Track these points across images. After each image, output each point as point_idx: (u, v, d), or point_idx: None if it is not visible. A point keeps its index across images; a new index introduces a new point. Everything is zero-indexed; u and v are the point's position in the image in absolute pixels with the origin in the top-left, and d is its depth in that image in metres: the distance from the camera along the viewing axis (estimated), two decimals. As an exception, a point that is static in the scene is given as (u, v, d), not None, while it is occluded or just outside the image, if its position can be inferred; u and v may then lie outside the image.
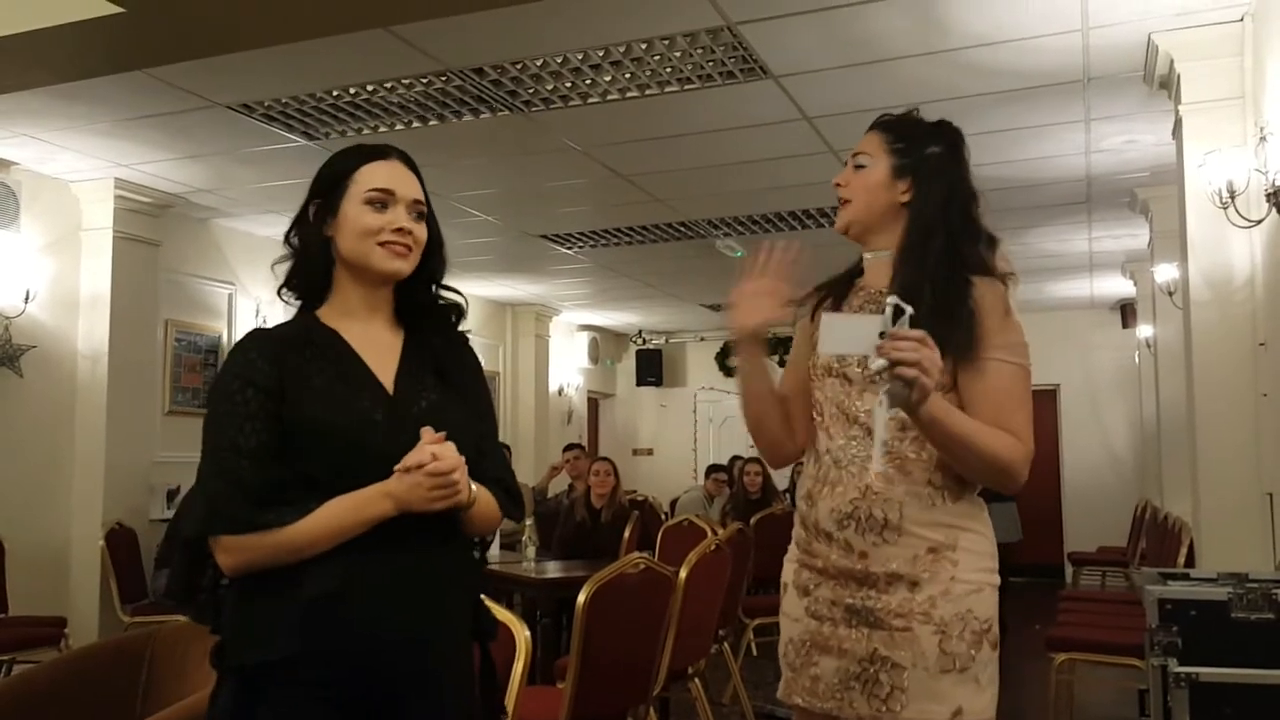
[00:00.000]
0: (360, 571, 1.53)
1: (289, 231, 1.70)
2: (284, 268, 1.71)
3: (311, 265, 1.67)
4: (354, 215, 1.63)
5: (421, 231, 1.67)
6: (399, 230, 1.62)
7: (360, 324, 1.67)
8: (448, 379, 1.68)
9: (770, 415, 1.94)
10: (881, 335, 1.54)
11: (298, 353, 1.61)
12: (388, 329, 1.70)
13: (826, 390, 1.85)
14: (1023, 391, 1.78)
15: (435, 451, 1.52)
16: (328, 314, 1.67)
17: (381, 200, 1.63)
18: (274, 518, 1.51)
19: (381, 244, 1.62)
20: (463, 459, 1.55)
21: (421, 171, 1.73)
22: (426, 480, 1.51)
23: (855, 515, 1.77)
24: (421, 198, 1.68)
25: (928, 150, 1.89)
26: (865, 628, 1.76)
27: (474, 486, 1.59)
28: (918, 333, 1.54)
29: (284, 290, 1.70)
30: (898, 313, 1.54)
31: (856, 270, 1.98)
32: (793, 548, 1.93)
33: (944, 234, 1.84)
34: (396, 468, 1.52)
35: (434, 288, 1.74)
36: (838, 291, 1.96)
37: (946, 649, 1.72)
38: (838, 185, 1.92)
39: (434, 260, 1.71)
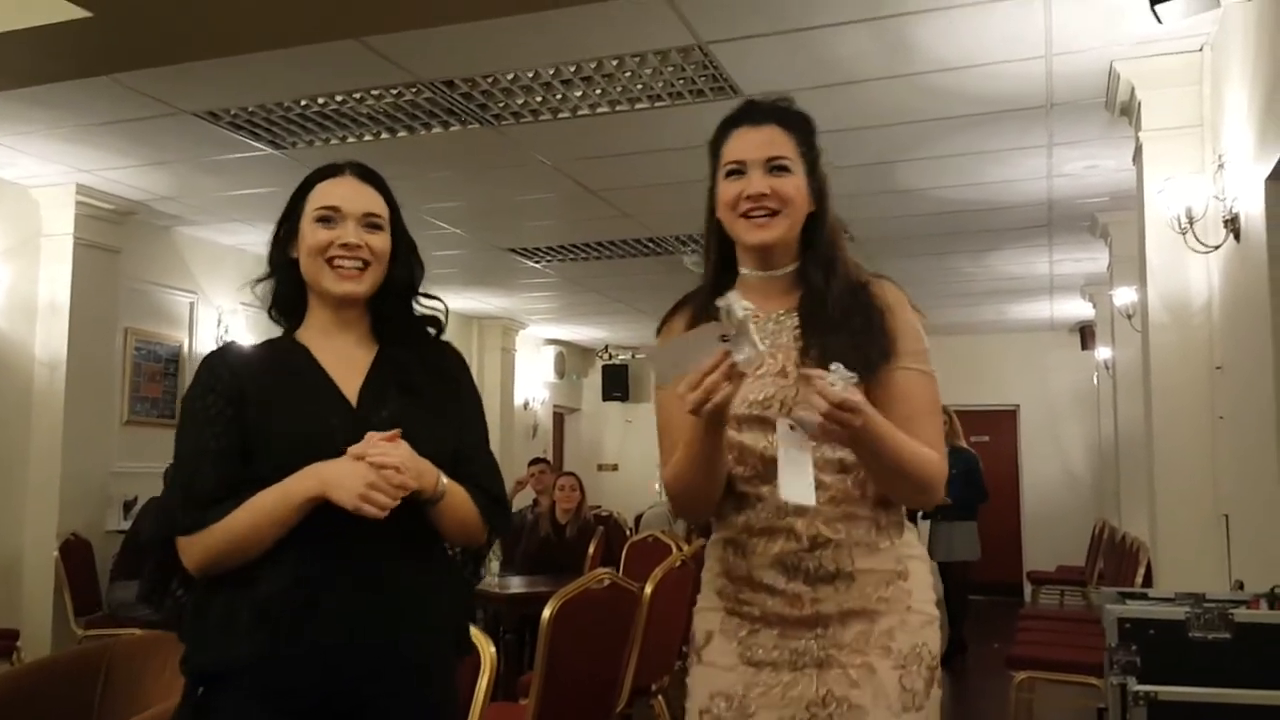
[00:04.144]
0: (316, 573, 1.53)
1: (269, 253, 1.73)
2: (265, 289, 1.74)
3: (280, 286, 1.70)
4: (307, 234, 1.64)
5: (379, 242, 1.66)
6: (345, 246, 1.62)
7: (332, 342, 1.68)
8: (416, 392, 1.66)
9: (720, 483, 1.66)
10: (724, 339, 1.43)
11: (263, 366, 1.64)
12: (359, 345, 1.70)
13: (745, 438, 1.65)
14: (933, 401, 1.67)
15: (383, 447, 1.52)
16: (304, 333, 1.70)
17: (329, 217, 1.64)
18: (218, 514, 1.53)
19: (330, 261, 1.62)
20: (414, 456, 1.54)
21: (388, 183, 1.73)
22: (365, 470, 1.49)
23: (803, 567, 1.61)
24: (376, 209, 1.67)
25: (818, 149, 1.73)
26: (814, 669, 1.61)
27: (445, 481, 1.59)
28: (854, 399, 1.45)
29: (272, 311, 1.73)
30: (729, 314, 1.43)
31: (717, 289, 1.67)
32: (710, 596, 1.74)
33: (838, 241, 1.73)
34: (350, 451, 1.52)
35: (410, 299, 1.73)
36: (714, 319, 1.63)
37: (907, 685, 1.61)
38: (762, 196, 1.64)
39: (400, 271, 1.70)
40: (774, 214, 1.65)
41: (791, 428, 1.53)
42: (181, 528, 1.55)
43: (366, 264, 1.64)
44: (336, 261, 1.62)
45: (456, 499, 1.62)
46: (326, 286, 1.64)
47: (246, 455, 1.58)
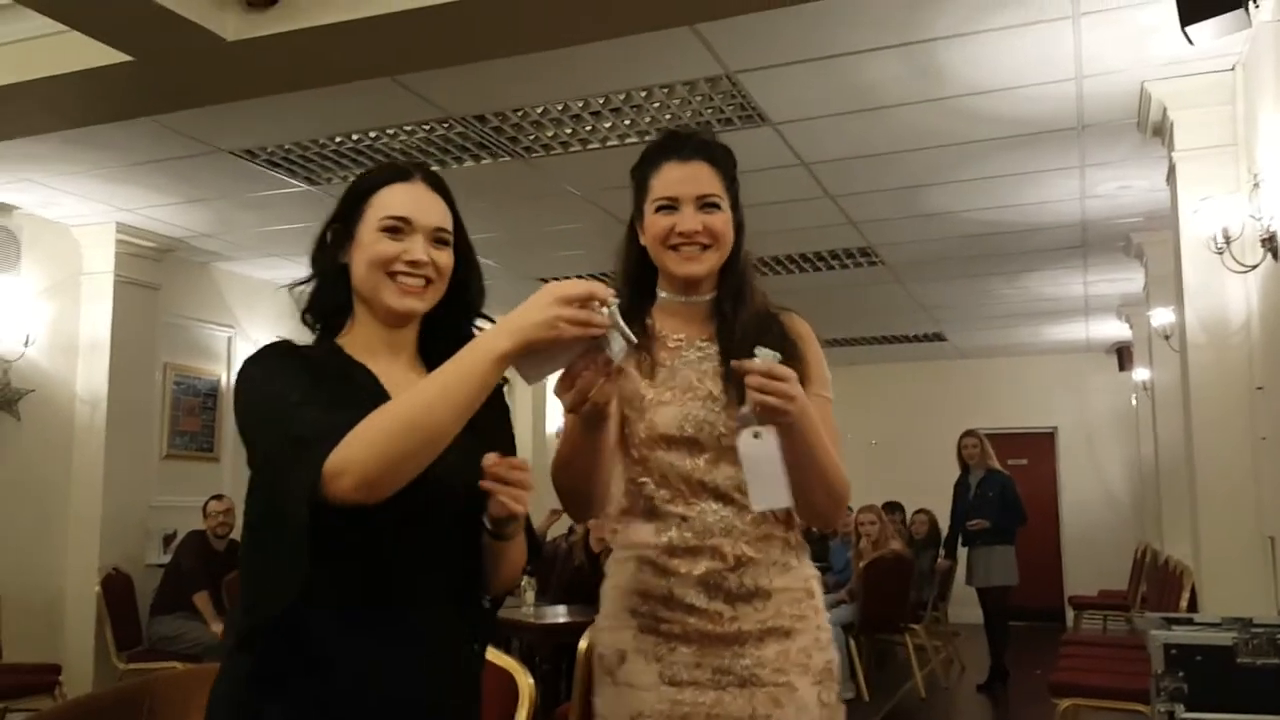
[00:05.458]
0: (386, 640, 1.40)
1: (312, 254, 1.56)
2: (300, 293, 1.57)
3: (326, 292, 1.53)
4: (367, 242, 1.48)
5: (446, 259, 1.51)
6: (413, 262, 1.47)
7: (382, 363, 1.51)
8: (474, 423, 1.42)
9: (604, 479, 1.69)
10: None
11: (330, 374, 1.44)
12: (411, 369, 1.54)
13: (673, 459, 1.69)
14: (836, 428, 1.72)
15: (510, 461, 1.41)
16: (349, 346, 1.52)
17: (397, 228, 1.48)
18: (358, 415, 1.30)
19: (393, 274, 1.47)
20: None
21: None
22: (550, 291, 1.30)
23: (725, 586, 1.66)
24: (445, 224, 1.51)
25: (738, 183, 1.78)
26: (737, 688, 1.64)
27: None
28: (782, 369, 1.50)
29: (307, 315, 1.55)
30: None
31: (639, 311, 1.76)
32: (620, 615, 1.73)
33: (749, 273, 1.78)
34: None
35: (470, 322, 1.57)
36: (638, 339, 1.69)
37: (824, 700, 1.68)
38: (694, 233, 1.68)
39: (464, 293, 1.55)
40: (705, 248, 1.70)
41: (756, 435, 1.54)
42: (319, 450, 1.27)
43: (430, 281, 1.49)
44: (399, 276, 1.47)
45: (520, 541, 1.52)
46: (387, 301, 1.47)
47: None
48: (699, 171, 1.71)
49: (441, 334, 1.54)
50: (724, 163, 1.75)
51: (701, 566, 1.66)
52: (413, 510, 1.36)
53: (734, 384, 1.62)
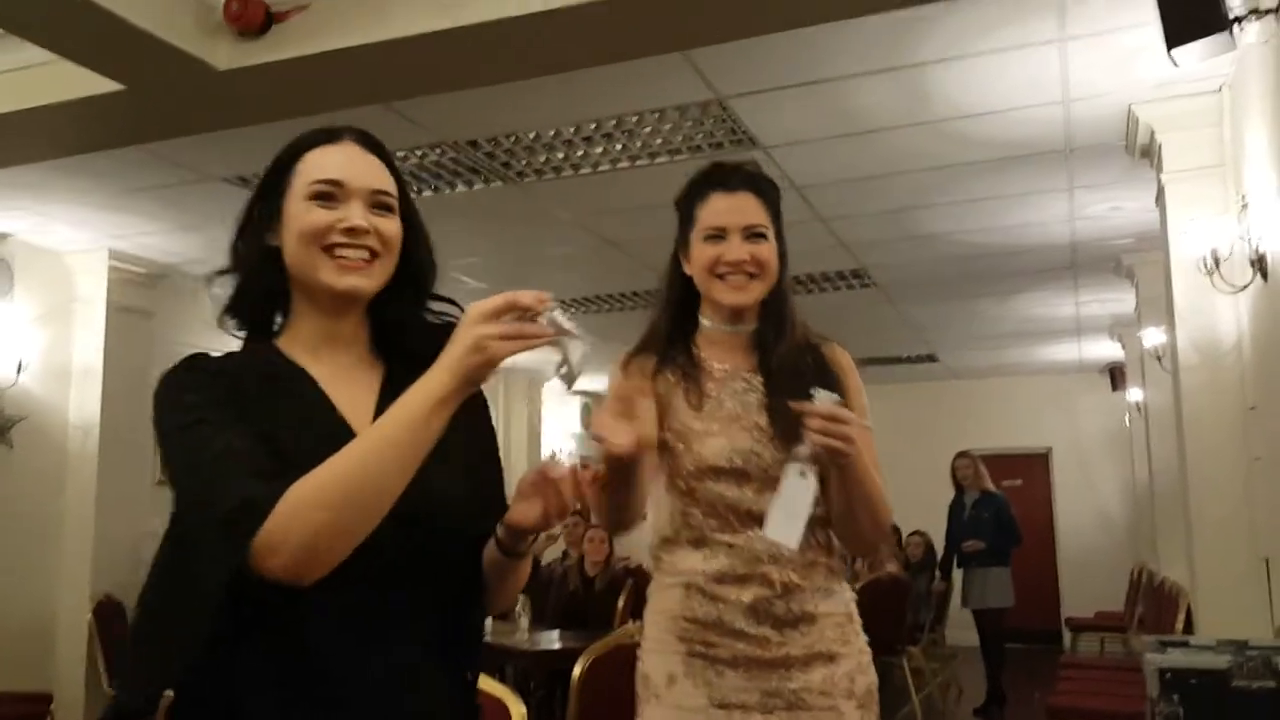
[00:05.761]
0: (347, 676, 1.20)
1: (233, 241, 1.34)
2: (223, 291, 1.36)
3: (252, 284, 1.33)
4: (298, 215, 1.27)
5: (389, 227, 1.30)
6: (351, 229, 1.26)
7: (325, 360, 1.30)
8: (452, 422, 1.18)
9: (640, 496, 1.69)
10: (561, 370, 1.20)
11: (256, 385, 1.24)
12: (362, 363, 1.34)
13: (722, 489, 1.73)
14: (877, 457, 1.77)
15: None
16: (286, 346, 1.32)
17: (329, 194, 1.27)
18: (295, 476, 1.11)
19: (329, 249, 1.26)
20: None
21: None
22: (472, 320, 1.14)
23: (773, 613, 1.71)
24: (385, 186, 1.31)
25: (782, 214, 1.82)
26: (785, 711, 1.69)
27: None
28: (842, 412, 1.55)
29: (226, 317, 1.34)
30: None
31: (683, 338, 1.84)
32: (667, 640, 1.76)
33: (790, 303, 1.83)
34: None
35: (423, 304, 1.38)
36: (684, 368, 1.80)
37: None
38: (741, 262, 1.73)
39: (412, 265, 1.35)
40: (752, 277, 1.75)
41: (802, 474, 1.59)
42: (246, 522, 1.08)
43: (375, 254, 1.28)
44: (338, 250, 1.26)
45: (526, 561, 1.35)
46: (325, 280, 1.26)
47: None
48: (746, 202, 1.76)
49: (397, 319, 1.35)
50: (769, 194, 1.80)
51: (750, 594, 1.71)
52: (376, 547, 1.15)
53: (780, 417, 1.68)
